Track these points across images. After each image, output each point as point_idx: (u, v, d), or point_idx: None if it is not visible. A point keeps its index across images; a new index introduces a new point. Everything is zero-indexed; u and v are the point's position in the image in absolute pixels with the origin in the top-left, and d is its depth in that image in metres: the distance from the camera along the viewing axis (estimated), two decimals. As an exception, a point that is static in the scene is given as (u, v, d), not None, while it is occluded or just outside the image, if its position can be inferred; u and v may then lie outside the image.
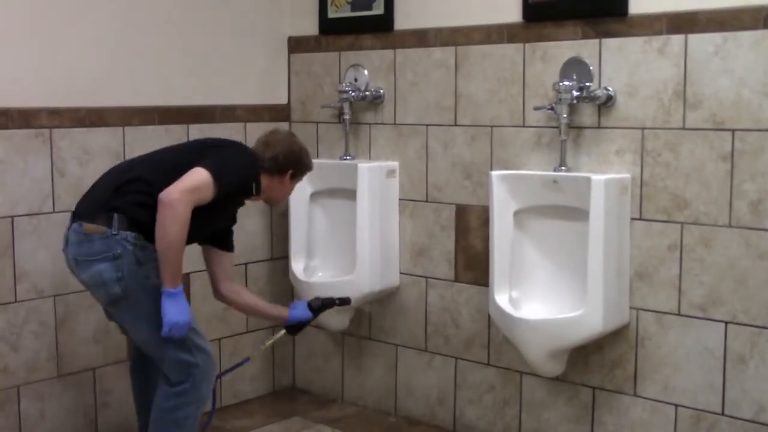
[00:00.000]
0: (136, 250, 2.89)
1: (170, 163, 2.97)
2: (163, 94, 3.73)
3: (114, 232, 2.88)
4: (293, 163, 3.17)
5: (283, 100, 4.20)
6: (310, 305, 3.40)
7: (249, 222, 4.04)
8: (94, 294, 3.01)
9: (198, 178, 2.86)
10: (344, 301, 3.49)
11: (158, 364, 3.02)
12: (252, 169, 3.06)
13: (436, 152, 3.72)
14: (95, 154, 3.51)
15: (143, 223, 2.89)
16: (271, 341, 3.43)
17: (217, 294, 3.33)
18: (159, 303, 2.88)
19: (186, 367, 2.98)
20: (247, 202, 3.23)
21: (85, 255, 2.91)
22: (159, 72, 3.70)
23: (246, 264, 4.09)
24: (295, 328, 3.41)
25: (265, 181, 3.12)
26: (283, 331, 3.40)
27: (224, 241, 3.28)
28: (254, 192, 3.08)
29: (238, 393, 4.10)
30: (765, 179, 2.92)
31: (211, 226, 3.12)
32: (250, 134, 4.01)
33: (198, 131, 3.82)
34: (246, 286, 4.09)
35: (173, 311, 2.86)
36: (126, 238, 2.88)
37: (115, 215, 2.89)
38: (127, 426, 3.66)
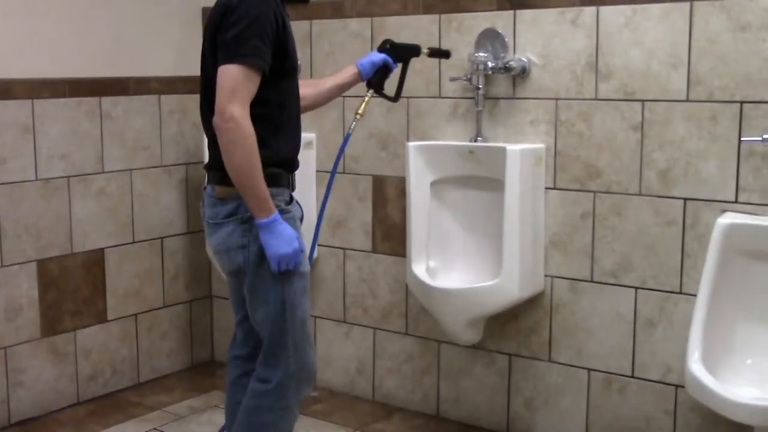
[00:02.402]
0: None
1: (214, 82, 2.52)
2: (73, 65, 3.63)
3: None
4: None
5: (198, 72, 4.12)
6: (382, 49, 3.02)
7: (164, 196, 3.98)
8: (218, 261, 2.70)
9: (228, 79, 2.44)
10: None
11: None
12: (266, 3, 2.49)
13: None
14: (3, 128, 3.41)
15: (269, 163, 2.51)
16: (363, 105, 2.99)
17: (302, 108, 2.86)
18: (280, 280, 2.55)
19: (276, 363, 2.62)
20: None
21: (214, 217, 2.61)
22: (69, 43, 3.60)
23: (162, 238, 4.02)
24: (376, 82, 2.98)
25: None
26: (370, 91, 3.00)
27: None
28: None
29: (156, 368, 4.05)
30: (673, 149, 3.00)
31: (295, 71, 2.69)
32: (164, 106, 3.95)
33: (111, 104, 3.74)
34: (162, 260, 4.03)
35: (273, 243, 2.49)
36: None
37: None
38: (42, 405, 3.59)
